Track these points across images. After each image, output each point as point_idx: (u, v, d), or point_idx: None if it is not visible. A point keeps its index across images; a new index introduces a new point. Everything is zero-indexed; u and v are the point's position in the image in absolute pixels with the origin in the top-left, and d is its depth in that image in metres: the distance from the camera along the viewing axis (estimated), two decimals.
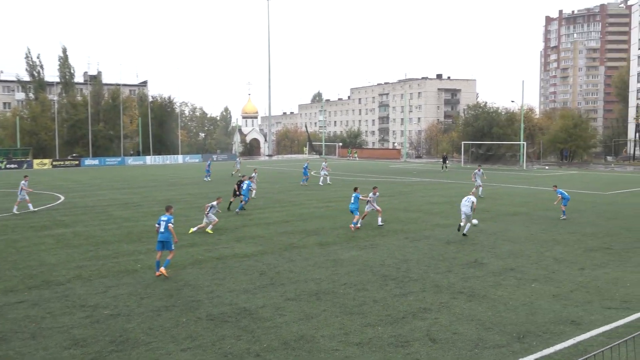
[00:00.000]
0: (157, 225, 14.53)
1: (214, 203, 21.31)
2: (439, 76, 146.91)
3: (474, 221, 19.95)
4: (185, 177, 50.97)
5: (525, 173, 55.46)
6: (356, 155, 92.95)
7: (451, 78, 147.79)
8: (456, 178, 48.10)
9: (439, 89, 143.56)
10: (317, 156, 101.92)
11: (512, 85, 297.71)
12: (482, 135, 77.40)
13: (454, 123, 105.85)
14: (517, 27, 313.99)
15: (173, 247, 14.54)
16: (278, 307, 11.94)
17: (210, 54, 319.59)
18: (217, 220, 21.31)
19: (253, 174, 31.46)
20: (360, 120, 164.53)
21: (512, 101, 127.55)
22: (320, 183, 40.78)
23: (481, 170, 34.49)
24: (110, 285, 13.83)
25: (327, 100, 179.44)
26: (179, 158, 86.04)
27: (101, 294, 13.04)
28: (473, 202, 19.64)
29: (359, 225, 21.36)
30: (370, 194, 22.47)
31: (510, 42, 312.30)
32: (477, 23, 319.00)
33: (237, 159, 57.29)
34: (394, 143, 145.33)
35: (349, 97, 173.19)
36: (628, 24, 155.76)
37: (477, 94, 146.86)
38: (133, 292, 13.15)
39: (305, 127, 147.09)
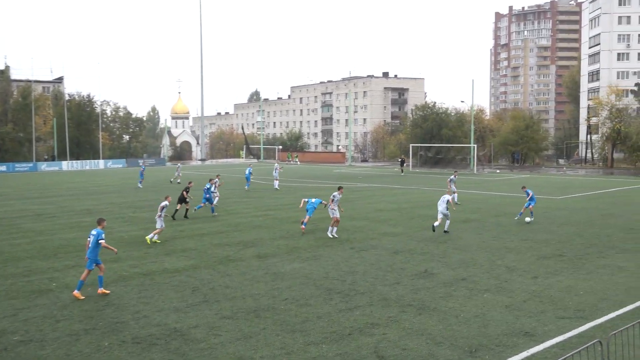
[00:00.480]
0: (88, 239, 14.19)
1: (166, 202, 21.09)
2: (386, 74, 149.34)
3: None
4: (107, 185, 49.75)
5: (476, 177, 57.05)
6: (297, 160, 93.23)
7: (398, 77, 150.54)
8: (405, 183, 48.96)
9: (385, 88, 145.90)
10: (255, 160, 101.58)
11: (462, 85, 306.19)
12: (431, 137, 79.19)
13: (402, 124, 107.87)
14: (467, 23, 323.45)
15: (100, 262, 14.28)
16: (212, 327, 11.81)
17: (135, 48, 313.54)
18: (164, 227, 21.17)
19: (215, 179, 31.39)
20: (301, 122, 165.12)
21: (462, 101, 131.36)
22: (277, 187, 42.66)
23: (457, 175, 34.58)
24: (21, 307, 13.31)
25: (266, 100, 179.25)
26: (100, 163, 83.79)
27: (10, 318, 12.53)
28: (448, 201, 22.57)
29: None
30: (335, 193, 21.95)
31: (460, 39, 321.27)
32: (425, 19, 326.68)
33: (178, 165, 57.41)
34: (338, 146, 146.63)
35: (289, 96, 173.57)
36: (578, 22, 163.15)
37: (426, 93, 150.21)
38: (47, 315, 12.70)
39: (242, 128, 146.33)
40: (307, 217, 22.69)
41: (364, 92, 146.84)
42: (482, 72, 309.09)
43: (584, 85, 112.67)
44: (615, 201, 34.31)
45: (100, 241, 13.99)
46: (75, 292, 14.00)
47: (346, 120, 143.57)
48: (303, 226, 22.80)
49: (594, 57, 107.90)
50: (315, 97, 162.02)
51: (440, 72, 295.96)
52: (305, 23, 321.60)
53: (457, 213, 28.95)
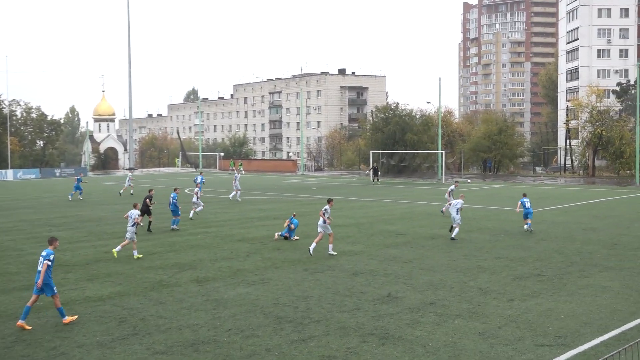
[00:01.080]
0: (41, 259, 14.17)
1: (136, 212, 22.23)
2: (342, 71, 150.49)
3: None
4: (18, 199, 48.53)
5: (444, 188, 57.83)
6: (242, 168, 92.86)
7: (357, 74, 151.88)
8: (365, 195, 49.29)
9: (342, 87, 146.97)
10: (194, 169, 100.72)
11: (428, 83, 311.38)
12: (393, 142, 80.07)
13: (361, 128, 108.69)
14: (432, 15, 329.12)
15: (55, 291, 14.14)
16: None
17: (52, 40, 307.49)
18: (134, 239, 22.21)
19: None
20: (246, 125, 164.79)
21: (428, 102, 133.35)
22: (239, 199, 44.20)
23: (457, 186, 36.13)
24: None
25: (205, 100, 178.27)
26: (9, 173, 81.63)
27: None
28: (460, 209, 25.91)
29: (290, 236, 26.07)
30: (327, 207, 22.54)
31: (425, 32, 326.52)
32: (386, 9, 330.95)
33: (129, 174, 57.83)
34: (288, 153, 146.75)
35: (232, 95, 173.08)
36: (555, 14, 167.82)
37: (387, 93, 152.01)
38: None
39: (177, 133, 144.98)
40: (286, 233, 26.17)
41: (318, 91, 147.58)
42: (450, 69, 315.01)
43: (562, 84, 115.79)
44: (598, 214, 35.30)
45: (46, 261, 13.92)
46: (20, 322, 13.88)
47: (297, 123, 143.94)
48: (284, 234, 26.22)
49: (573, 54, 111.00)
50: (262, 96, 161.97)
51: (403, 69, 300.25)
52: (250, 12, 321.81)
53: (422, 228, 29.30)
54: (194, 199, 34.03)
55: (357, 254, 22.46)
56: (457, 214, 25.78)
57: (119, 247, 22.32)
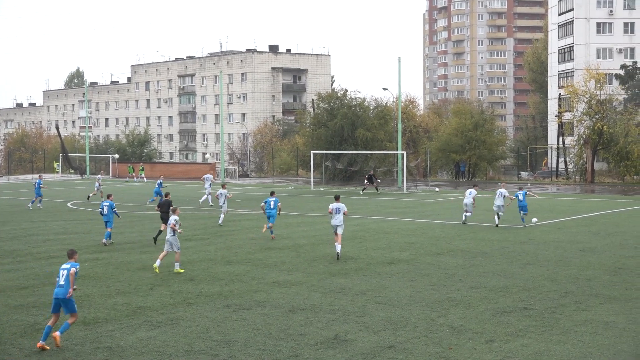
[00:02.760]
0: (61, 273, 16.48)
1: (175, 217, 25.36)
2: (274, 49, 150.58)
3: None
4: None
5: (406, 198, 58.39)
6: (143, 174, 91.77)
7: (293, 52, 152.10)
8: (304, 209, 49.35)
9: (274, 69, 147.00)
10: (80, 177, 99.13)
11: (384, 65, 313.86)
12: (341, 141, 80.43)
13: (298, 122, 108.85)
14: None
15: (76, 310, 16.54)
16: None
17: None
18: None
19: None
20: (148, 118, 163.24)
21: (385, 89, 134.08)
22: (211, 203, 50.78)
23: (476, 191, 40.65)
24: None
25: (94, 85, 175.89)
26: None
27: None
28: (505, 196, 37.29)
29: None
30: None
31: (381, 1, 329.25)
32: None
33: (99, 176, 62.64)
34: (205, 154, 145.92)
35: (129, 79, 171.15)
36: None
37: (333, 77, 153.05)
38: None
39: (57, 128, 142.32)
40: (270, 223, 32.80)
41: (243, 74, 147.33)
42: (413, 47, 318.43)
43: (553, 66, 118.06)
44: (598, 230, 36.25)
45: (73, 268, 16.37)
46: (56, 334, 16.00)
47: (216, 115, 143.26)
48: (272, 234, 33.28)
49: (566, 28, 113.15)
50: (170, 81, 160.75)
51: (353, 46, 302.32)
52: None
53: (378, 251, 29.54)
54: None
55: (295, 285, 22.47)
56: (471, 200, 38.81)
57: (174, 264, 24.88)
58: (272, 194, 34.35)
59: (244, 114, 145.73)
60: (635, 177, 76.67)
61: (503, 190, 37.78)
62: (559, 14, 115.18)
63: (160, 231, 31.78)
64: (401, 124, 76.14)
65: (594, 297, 20.61)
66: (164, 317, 18.70)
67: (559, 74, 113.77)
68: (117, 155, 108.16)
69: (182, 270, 24.64)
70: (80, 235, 35.76)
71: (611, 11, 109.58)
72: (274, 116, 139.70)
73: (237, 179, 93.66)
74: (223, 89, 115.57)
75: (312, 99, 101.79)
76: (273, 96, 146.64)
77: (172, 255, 25.19)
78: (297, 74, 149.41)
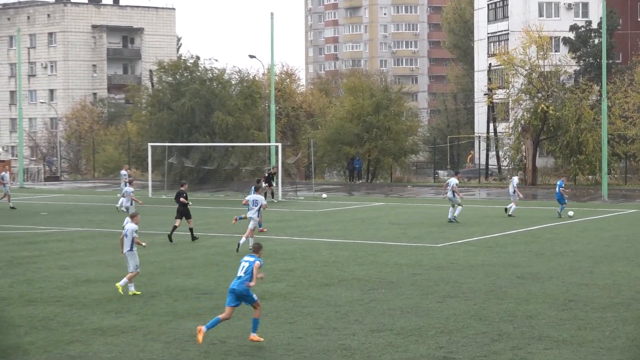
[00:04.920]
0: (242, 264, 20.73)
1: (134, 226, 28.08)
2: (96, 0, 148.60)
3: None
4: None
5: (281, 208, 58.52)
6: None
7: (122, 4, 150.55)
8: (143, 224, 48.81)
9: (95, 28, 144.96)
10: None
11: (251, 24, 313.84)
12: (191, 128, 79.75)
13: (131, 103, 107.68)
14: None
15: (256, 298, 20.76)
16: None
17: None
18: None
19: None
20: None
21: (252, 56, 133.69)
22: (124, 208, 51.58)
23: (458, 180, 49.94)
24: None
25: None
26: None
27: None
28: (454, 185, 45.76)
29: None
30: (453, 181, 40.81)
31: None
32: None
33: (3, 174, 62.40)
34: None
35: None
36: None
37: (180, 39, 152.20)
38: None
39: None
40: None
41: (51, 34, 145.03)
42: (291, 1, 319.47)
43: (481, 27, 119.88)
44: (542, 250, 37.05)
45: (254, 265, 20.47)
46: (253, 337, 20.37)
47: (12, 93, 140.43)
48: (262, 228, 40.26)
49: None
50: None
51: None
52: None
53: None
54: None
55: (126, 333, 22.10)
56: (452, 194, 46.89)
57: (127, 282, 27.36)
58: (257, 189, 40.89)
59: (52, 91, 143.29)
60: (590, 176, 78.05)
61: (453, 179, 48.96)
62: None
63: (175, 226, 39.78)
64: (275, 106, 76.00)
65: (537, 340, 20.91)
66: None
67: (488, 38, 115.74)
68: None
69: (139, 293, 27.08)
70: None
71: None
72: (95, 94, 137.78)
73: (42, 184, 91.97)
74: (21, 56, 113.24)
75: (150, 70, 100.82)
76: (94, 65, 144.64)
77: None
78: (129, 34, 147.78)
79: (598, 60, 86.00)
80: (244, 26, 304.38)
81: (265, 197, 63.35)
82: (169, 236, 39.56)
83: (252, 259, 20.60)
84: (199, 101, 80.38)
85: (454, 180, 48.31)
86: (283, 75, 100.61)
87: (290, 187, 73.64)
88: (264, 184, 63.68)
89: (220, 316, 20.46)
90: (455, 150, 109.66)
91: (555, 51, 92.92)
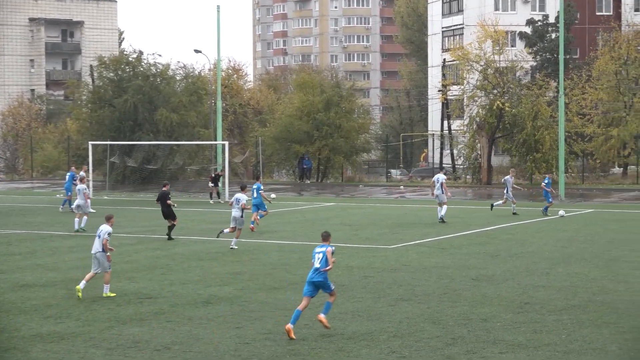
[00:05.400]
0: (316, 256, 21.78)
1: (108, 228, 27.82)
2: None
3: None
4: None
5: (227, 209, 58.09)
6: None
7: None
8: (79, 237, 48.67)
9: (33, 21, 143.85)
10: None
11: (197, 17, 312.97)
12: (134, 126, 79.48)
13: (70, 99, 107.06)
14: None
15: (333, 287, 22.03)
16: None
17: None
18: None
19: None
20: None
21: (198, 51, 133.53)
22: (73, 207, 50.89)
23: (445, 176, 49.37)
24: None
25: None
26: None
27: None
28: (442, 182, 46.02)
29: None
30: (442, 177, 41.42)
31: None
32: None
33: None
34: None
35: None
36: None
37: (123, 33, 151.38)
38: None
39: None
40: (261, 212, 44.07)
41: None
42: None
43: (435, 21, 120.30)
44: (496, 251, 37.30)
45: (329, 248, 21.81)
46: (321, 318, 21.69)
47: None
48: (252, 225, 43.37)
49: None
50: None
51: None
52: None
53: (189, 286, 29.36)
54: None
55: (66, 339, 21.89)
56: (442, 191, 47.97)
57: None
58: (243, 189, 39.98)
59: None
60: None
61: (440, 175, 49.76)
62: None
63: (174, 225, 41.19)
64: (221, 103, 75.82)
65: (492, 344, 21.01)
66: None
67: (443, 32, 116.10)
68: None
69: (114, 295, 27.31)
70: None
71: None
72: (33, 90, 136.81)
73: None
74: None
75: (91, 65, 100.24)
76: (32, 60, 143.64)
77: (102, 276, 27.55)
78: (69, 28, 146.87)
79: (555, 55, 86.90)
80: (189, 20, 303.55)
81: (211, 197, 63.62)
82: (168, 235, 41.13)
83: (323, 249, 21.73)
84: (142, 98, 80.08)
85: (442, 177, 48.90)
86: (230, 71, 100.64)
87: (234, 187, 73.43)
88: (210, 184, 63.85)
89: (300, 307, 21.63)
90: (409, 149, 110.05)
91: (512, 46, 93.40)
